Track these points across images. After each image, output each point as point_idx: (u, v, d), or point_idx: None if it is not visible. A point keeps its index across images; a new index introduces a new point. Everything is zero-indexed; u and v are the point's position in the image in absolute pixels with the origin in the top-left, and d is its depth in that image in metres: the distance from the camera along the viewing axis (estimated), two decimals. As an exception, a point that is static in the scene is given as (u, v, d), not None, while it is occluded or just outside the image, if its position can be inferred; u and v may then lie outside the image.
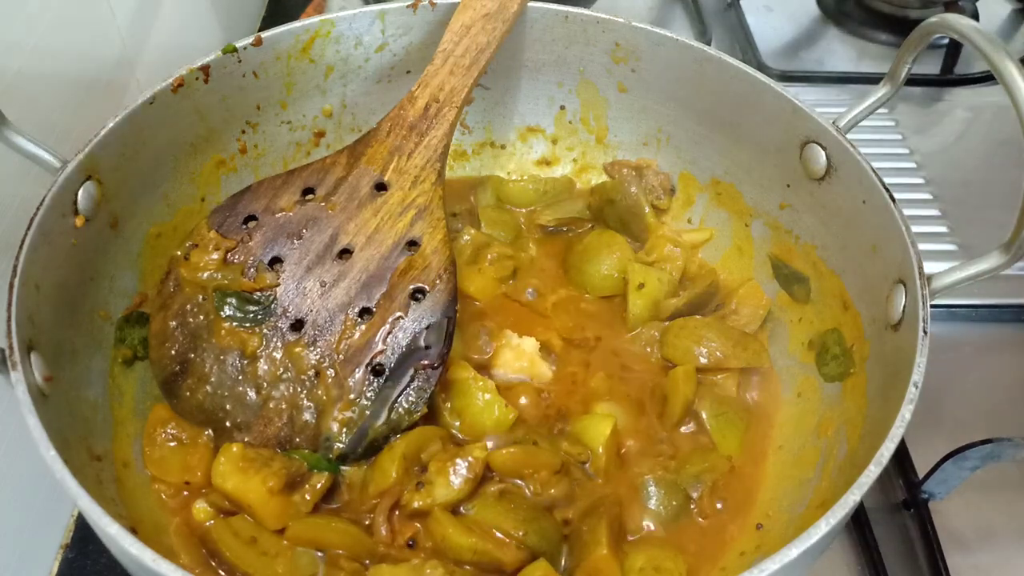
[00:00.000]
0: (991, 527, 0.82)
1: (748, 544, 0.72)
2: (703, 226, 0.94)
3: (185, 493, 0.72)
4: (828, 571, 0.80)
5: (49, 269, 0.67)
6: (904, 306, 0.68)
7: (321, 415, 0.73)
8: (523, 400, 0.80)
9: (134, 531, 0.56)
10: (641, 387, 0.82)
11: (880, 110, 0.79)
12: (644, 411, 0.80)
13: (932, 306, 0.65)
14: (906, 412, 0.60)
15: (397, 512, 0.70)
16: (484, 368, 0.81)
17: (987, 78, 1.27)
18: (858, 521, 0.81)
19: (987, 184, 1.13)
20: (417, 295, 0.76)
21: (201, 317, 0.76)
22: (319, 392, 0.74)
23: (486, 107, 0.98)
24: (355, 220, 0.78)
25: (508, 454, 0.73)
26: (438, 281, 0.76)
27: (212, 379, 0.74)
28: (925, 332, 0.63)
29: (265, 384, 0.74)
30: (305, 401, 0.74)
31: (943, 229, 1.07)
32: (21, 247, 0.64)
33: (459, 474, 0.70)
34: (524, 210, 0.97)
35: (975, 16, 1.34)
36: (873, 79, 0.86)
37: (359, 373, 0.74)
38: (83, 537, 0.82)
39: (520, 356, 0.81)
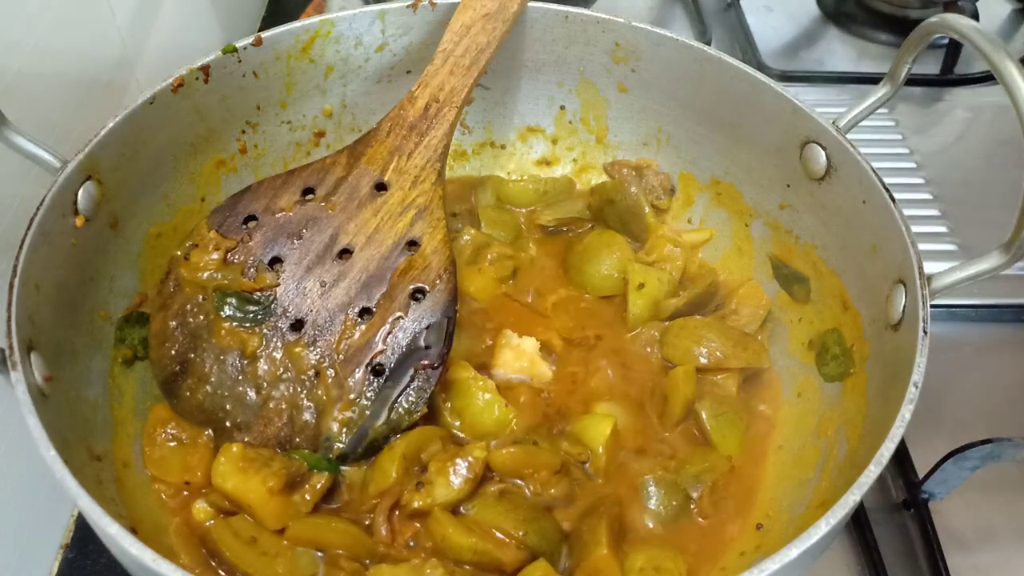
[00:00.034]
0: (991, 527, 0.82)
1: (748, 544, 0.72)
2: (703, 226, 0.94)
3: (185, 493, 0.72)
4: (828, 571, 0.80)
5: (49, 269, 0.67)
6: (904, 306, 0.68)
7: (321, 415, 0.73)
8: (523, 400, 0.80)
9: (134, 531, 0.56)
10: (641, 387, 0.82)
11: (880, 110, 0.79)
12: (644, 411, 0.80)
13: (932, 306, 0.65)
14: (906, 412, 0.60)
15: (397, 512, 0.70)
16: (484, 368, 0.81)
17: (987, 78, 1.27)
18: (858, 521, 0.81)
19: (987, 184, 1.12)
20: (417, 295, 0.76)
21: (201, 317, 0.76)
22: (319, 392, 0.74)
23: (486, 107, 0.98)
24: (355, 220, 0.78)
25: (508, 454, 0.73)
26: (438, 281, 0.76)
27: (212, 379, 0.74)
28: (925, 332, 0.63)
29: (265, 384, 0.74)
30: (305, 401, 0.74)
31: (943, 229, 1.07)
32: (21, 247, 0.64)
33: (459, 474, 0.70)
34: (524, 210, 0.97)
35: (975, 16, 1.34)
36: (873, 79, 0.86)
37: (359, 373, 0.74)
38: (83, 537, 0.82)
39: (520, 356, 0.81)
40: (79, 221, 0.71)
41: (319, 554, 0.68)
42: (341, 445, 0.73)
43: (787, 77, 1.25)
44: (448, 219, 0.79)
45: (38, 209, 0.66)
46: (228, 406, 0.74)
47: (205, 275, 0.76)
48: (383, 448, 0.73)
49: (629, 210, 0.93)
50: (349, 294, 0.76)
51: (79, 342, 0.72)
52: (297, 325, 0.75)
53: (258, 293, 0.76)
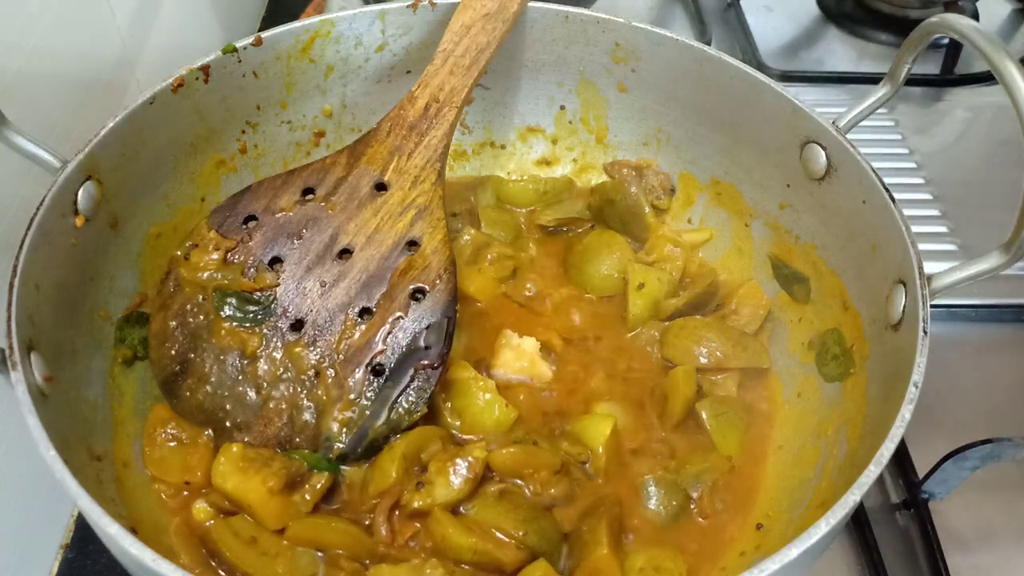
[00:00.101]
0: (991, 527, 0.82)
1: (748, 544, 0.72)
2: (703, 226, 0.94)
3: (185, 493, 0.72)
4: (828, 571, 0.80)
5: (49, 269, 0.67)
6: (904, 306, 0.68)
7: (321, 415, 0.73)
8: (523, 400, 0.80)
9: (134, 531, 0.55)
10: (641, 387, 0.82)
11: (880, 110, 0.79)
12: (644, 411, 0.80)
13: (932, 306, 0.65)
14: (906, 412, 0.60)
15: (397, 512, 0.70)
16: (484, 368, 0.81)
17: (987, 78, 1.27)
18: (858, 521, 0.81)
19: (987, 184, 1.12)
20: (417, 295, 0.76)
21: (201, 317, 0.76)
22: (319, 392, 0.74)
23: (486, 107, 0.98)
24: (355, 220, 0.78)
25: (508, 454, 0.73)
26: (438, 281, 0.76)
27: (212, 379, 0.74)
28: (925, 332, 0.63)
29: (265, 384, 0.74)
30: (305, 401, 0.74)
31: (943, 229, 1.07)
32: (21, 247, 0.64)
33: (459, 474, 0.70)
34: (524, 210, 0.97)
35: (975, 16, 1.34)
36: (873, 79, 0.86)
37: (359, 373, 0.74)
38: (83, 537, 0.82)
39: (520, 356, 0.81)
40: (79, 221, 0.71)
41: (319, 554, 0.68)
42: (341, 445, 0.73)
43: (787, 77, 1.25)
44: (448, 219, 0.79)
45: (38, 209, 0.66)
46: (228, 406, 0.74)
47: (205, 275, 0.76)
48: (383, 448, 0.73)
49: (629, 210, 0.93)
50: (349, 294, 0.76)
51: (79, 342, 0.72)
52: (297, 325, 0.75)
53: (258, 293, 0.76)
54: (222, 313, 0.75)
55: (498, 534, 0.69)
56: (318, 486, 0.70)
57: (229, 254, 0.77)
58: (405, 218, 0.78)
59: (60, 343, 0.69)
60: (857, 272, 0.77)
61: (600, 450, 0.75)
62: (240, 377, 0.74)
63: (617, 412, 0.79)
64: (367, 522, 0.70)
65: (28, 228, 0.65)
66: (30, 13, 0.75)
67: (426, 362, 0.74)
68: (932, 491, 0.81)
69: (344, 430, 0.73)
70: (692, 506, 0.74)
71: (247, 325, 0.75)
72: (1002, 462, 0.77)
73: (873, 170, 0.73)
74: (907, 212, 0.70)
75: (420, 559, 0.67)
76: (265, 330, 0.75)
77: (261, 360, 0.74)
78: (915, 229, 0.69)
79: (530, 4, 0.88)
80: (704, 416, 0.79)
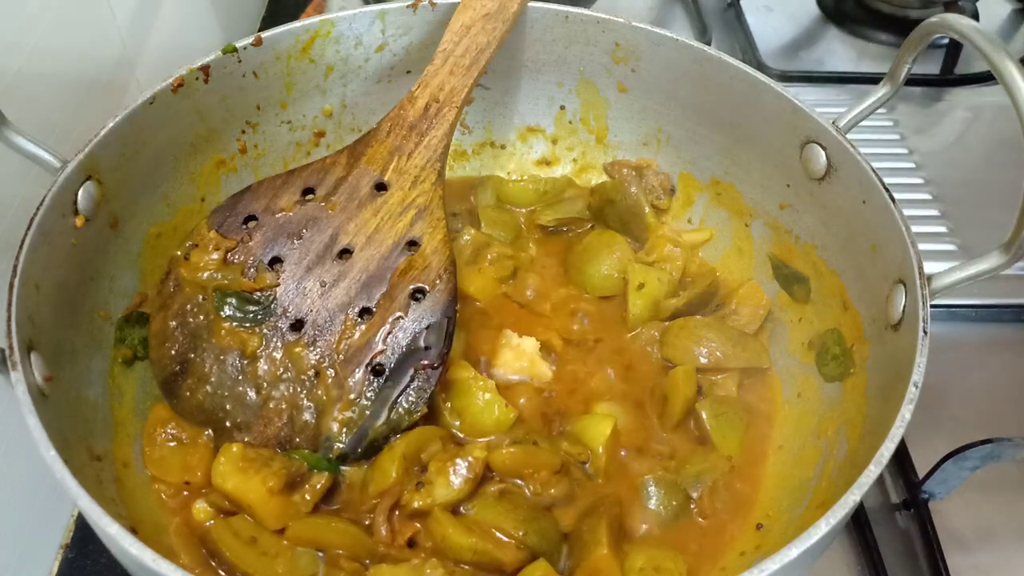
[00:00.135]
0: (991, 527, 0.82)
1: (748, 544, 0.72)
2: (703, 226, 0.94)
3: (185, 493, 0.72)
4: (828, 571, 0.80)
5: (49, 269, 0.67)
6: (904, 306, 0.68)
7: (321, 415, 0.73)
8: (523, 400, 0.80)
9: (134, 531, 0.55)
10: (641, 387, 0.82)
11: (880, 110, 0.79)
12: (644, 411, 0.80)
13: (932, 306, 0.65)
14: (906, 412, 0.60)
15: (397, 512, 0.70)
16: (484, 368, 0.81)
17: (987, 78, 1.27)
18: (858, 521, 0.81)
19: (987, 184, 1.12)
20: (417, 295, 0.76)
21: (201, 317, 0.76)
22: (319, 392, 0.74)
23: (486, 107, 0.98)
24: (355, 220, 0.78)
25: (508, 454, 0.73)
26: (438, 281, 0.76)
27: (212, 379, 0.74)
28: (925, 332, 0.63)
29: (265, 384, 0.74)
30: (305, 401, 0.74)
31: (943, 229, 1.07)
32: (21, 247, 0.64)
33: (459, 474, 0.70)
34: (524, 210, 0.97)
35: (975, 16, 1.34)
36: (873, 79, 0.86)
37: (359, 373, 0.74)
38: (83, 537, 0.82)
39: (520, 356, 0.81)
40: (79, 221, 0.71)
41: (319, 554, 0.68)
42: (341, 445, 0.73)
43: (787, 77, 1.25)
44: (448, 219, 0.79)
45: (38, 209, 0.66)
46: (228, 406, 0.74)
47: (205, 275, 0.76)
48: (383, 448, 0.73)
49: (629, 210, 0.93)
50: (349, 294, 0.76)
51: (79, 342, 0.72)
52: (297, 325, 0.75)
53: (258, 293, 0.76)
54: (222, 313, 0.75)
55: (498, 534, 0.69)
56: (318, 486, 0.70)
57: (229, 254, 0.77)
58: (405, 218, 0.78)
59: (60, 343, 0.69)
60: (857, 272, 0.77)
61: (600, 450, 0.75)
62: (240, 377, 0.74)
63: (617, 412, 0.79)
64: (367, 522, 0.70)
65: (28, 228, 0.65)
66: (30, 13, 0.75)
67: (426, 362, 0.74)
68: (932, 491, 0.81)
69: (344, 430, 0.73)
70: (692, 506, 0.74)
71: (247, 325, 0.75)
72: (1002, 462, 0.77)
73: (873, 170, 0.73)
74: (907, 212, 0.70)
75: (420, 559, 0.67)
76: (265, 330, 0.75)
77: (261, 360, 0.74)
78: (915, 229, 0.69)
79: (530, 4, 0.88)
80: (704, 416, 0.79)
